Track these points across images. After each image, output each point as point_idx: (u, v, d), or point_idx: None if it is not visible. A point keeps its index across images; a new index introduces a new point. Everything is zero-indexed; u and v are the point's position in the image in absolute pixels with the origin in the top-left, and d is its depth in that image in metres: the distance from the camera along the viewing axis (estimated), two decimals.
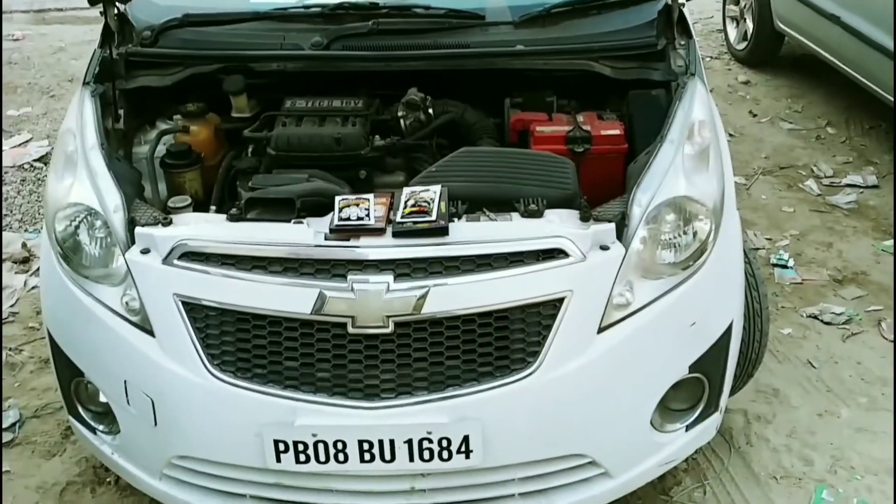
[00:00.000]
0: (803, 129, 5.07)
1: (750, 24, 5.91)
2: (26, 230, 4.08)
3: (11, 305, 3.52)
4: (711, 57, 6.20)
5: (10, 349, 3.25)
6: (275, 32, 2.59)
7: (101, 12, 2.55)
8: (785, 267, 3.67)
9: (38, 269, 3.64)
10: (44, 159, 4.75)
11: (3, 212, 4.21)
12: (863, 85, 4.64)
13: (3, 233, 4.00)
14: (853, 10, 4.63)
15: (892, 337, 3.19)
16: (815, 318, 3.33)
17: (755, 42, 5.88)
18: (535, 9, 2.58)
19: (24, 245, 3.88)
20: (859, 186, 4.35)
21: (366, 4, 2.60)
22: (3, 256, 3.82)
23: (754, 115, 5.28)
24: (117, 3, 2.57)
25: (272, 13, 2.63)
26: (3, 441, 2.80)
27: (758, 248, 3.77)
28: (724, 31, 6.38)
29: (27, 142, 4.99)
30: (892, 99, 4.30)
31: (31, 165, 4.70)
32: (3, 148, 4.86)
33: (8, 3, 7.61)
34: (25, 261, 3.82)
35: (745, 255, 2.37)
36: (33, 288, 3.60)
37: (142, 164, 2.49)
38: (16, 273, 3.73)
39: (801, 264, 3.71)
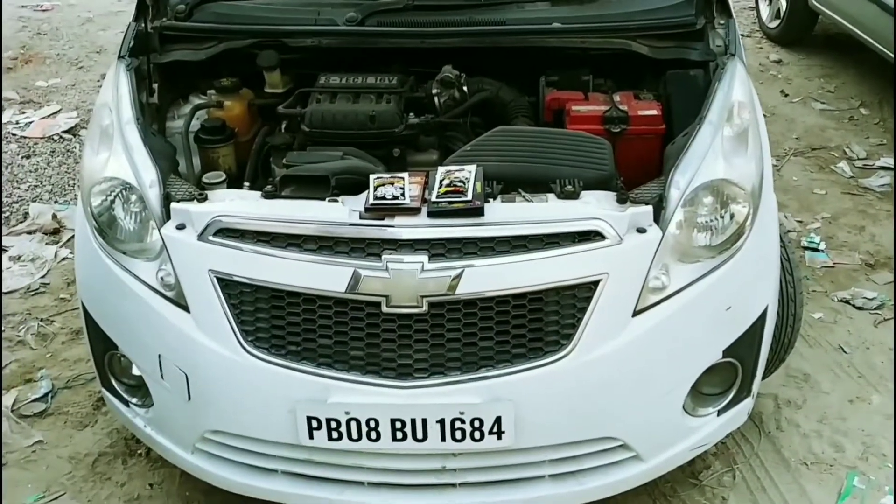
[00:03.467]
0: (836, 109, 5.00)
1: (783, 2, 5.82)
2: (56, 201, 4.11)
3: (43, 276, 3.55)
4: (743, 35, 6.05)
5: (41, 320, 3.29)
6: (309, 7, 2.59)
7: None
8: (816, 250, 3.63)
9: (68, 240, 3.69)
10: (73, 130, 4.77)
11: (34, 183, 4.24)
12: None
13: (34, 204, 4.03)
14: None
15: None
16: (847, 302, 3.29)
17: (788, 20, 5.79)
18: None
19: (54, 216, 3.91)
20: (893, 169, 4.28)
21: None
22: (34, 228, 3.84)
23: (786, 95, 5.21)
24: None
25: None
26: (36, 411, 2.84)
27: (789, 231, 3.74)
28: (756, 8, 6.28)
29: (56, 113, 5.01)
30: None
31: (61, 136, 4.72)
32: (33, 119, 4.88)
33: None
34: (56, 232, 3.85)
35: (780, 239, 2.35)
36: (64, 259, 3.63)
37: (176, 138, 2.50)
38: (46, 244, 3.76)
39: (832, 248, 3.66)
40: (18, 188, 4.18)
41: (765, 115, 4.70)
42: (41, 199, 4.13)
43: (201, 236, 2.05)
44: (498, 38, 2.49)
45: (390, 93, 2.44)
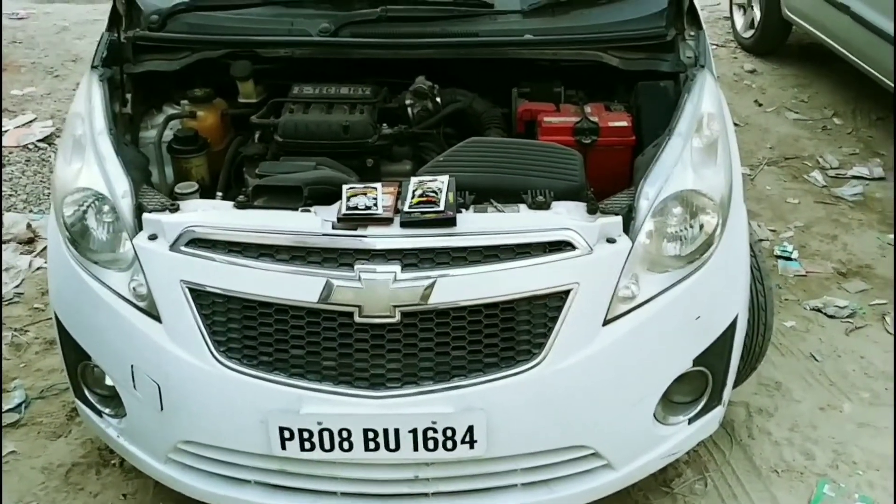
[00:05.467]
0: (809, 119, 5.06)
1: (757, 13, 5.89)
2: (31, 211, 4.08)
3: (17, 286, 3.53)
4: (717, 45, 6.17)
5: (15, 330, 3.26)
6: (283, 18, 2.59)
7: None
8: (789, 259, 3.67)
9: (42, 249, 3.67)
10: (48, 139, 4.74)
11: (8, 192, 4.21)
12: (870, 75, 4.62)
13: (8, 213, 4.00)
14: None
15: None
16: (819, 311, 3.33)
17: (762, 30, 5.86)
18: None
19: (28, 226, 3.89)
20: (865, 178, 4.34)
21: None
22: (8, 237, 3.82)
23: (760, 105, 5.27)
24: None
25: None
26: (9, 422, 2.82)
27: (762, 240, 3.77)
28: (731, 18, 6.35)
29: (31, 122, 4.97)
30: None
31: (36, 146, 4.69)
32: (8, 128, 4.85)
33: None
34: (30, 241, 3.82)
35: (750, 249, 2.37)
36: (38, 269, 3.61)
37: (149, 148, 2.50)
38: (21, 254, 3.74)
39: (805, 256, 3.70)
40: None
41: (739, 125, 4.83)
42: (16, 208, 4.10)
43: (173, 246, 2.04)
44: (471, 50, 2.50)
45: (364, 103, 2.45)
